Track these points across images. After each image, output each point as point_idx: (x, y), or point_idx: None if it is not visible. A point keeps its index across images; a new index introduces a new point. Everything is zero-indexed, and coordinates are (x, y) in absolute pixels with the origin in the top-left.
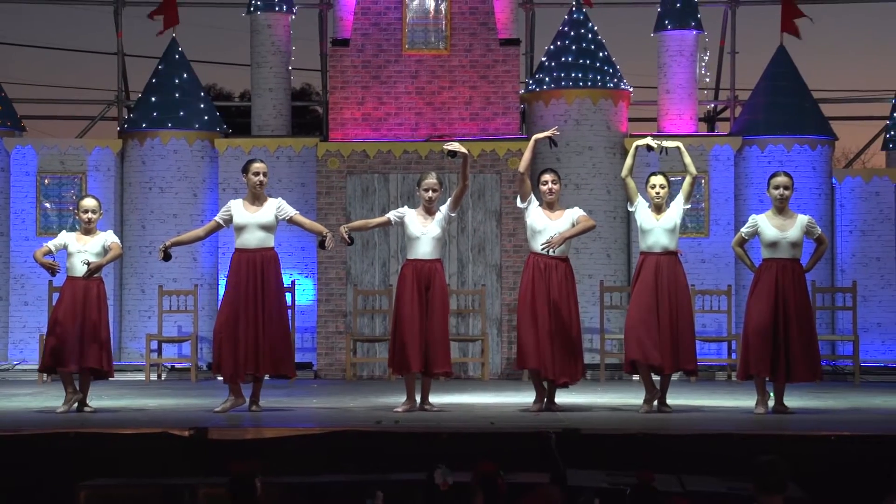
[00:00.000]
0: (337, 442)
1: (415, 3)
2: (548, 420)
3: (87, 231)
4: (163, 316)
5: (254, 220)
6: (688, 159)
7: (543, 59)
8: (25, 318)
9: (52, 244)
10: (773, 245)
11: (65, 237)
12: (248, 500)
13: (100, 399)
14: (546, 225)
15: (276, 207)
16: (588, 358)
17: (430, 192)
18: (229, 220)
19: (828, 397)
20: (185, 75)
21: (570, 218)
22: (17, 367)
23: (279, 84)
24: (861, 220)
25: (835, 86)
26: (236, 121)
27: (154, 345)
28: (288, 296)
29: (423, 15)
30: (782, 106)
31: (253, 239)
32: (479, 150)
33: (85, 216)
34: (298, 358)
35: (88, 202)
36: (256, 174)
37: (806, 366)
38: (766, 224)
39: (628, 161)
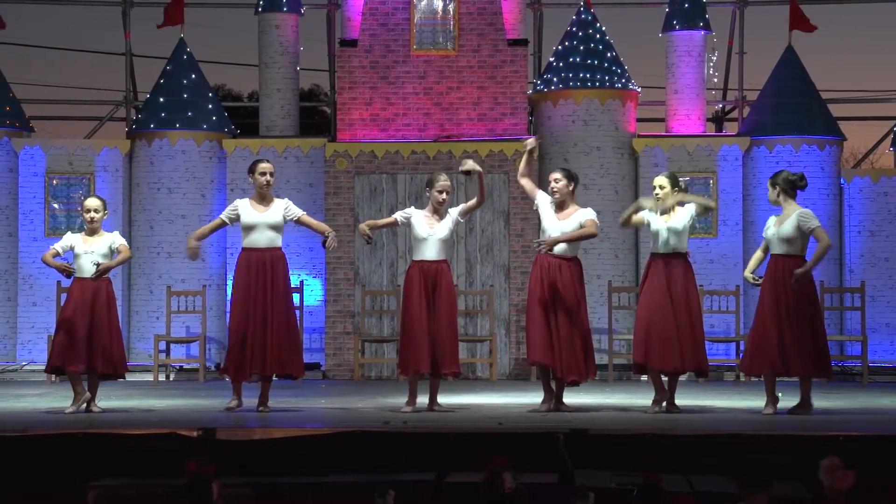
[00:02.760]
0: (345, 442)
1: (423, 3)
2: (556, 420)
3: (93, 231)
4: (171, 316)
5: (263, 220)
6: (700, 200)
7: (551, 59)
8: (34, 319)
9: (58, 246)
10: (770, 242)
11: (71, 238)
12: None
13: (108, 399)
14: (552, 224)
15: (283, 208)
16: (596, 358)
17: (445, 193)
18: (235, 219)
19: (836, 397)
20: (193, 76)
21: (578, 219)
22: (25, 367)
23: (287, 84)
24: (869, 221)
25: (843, 86)
26: (244, 121)
27: (162, 345)
28: (296, 296)
29: (430, 15)
30: (790, 106)
31: (262, 239)
32: (487, 150)
33: (87, 215)
34: (306, 358)
35: (91, 202)
36: (263, 174)
37: (806, 361)
38: (769, 222)
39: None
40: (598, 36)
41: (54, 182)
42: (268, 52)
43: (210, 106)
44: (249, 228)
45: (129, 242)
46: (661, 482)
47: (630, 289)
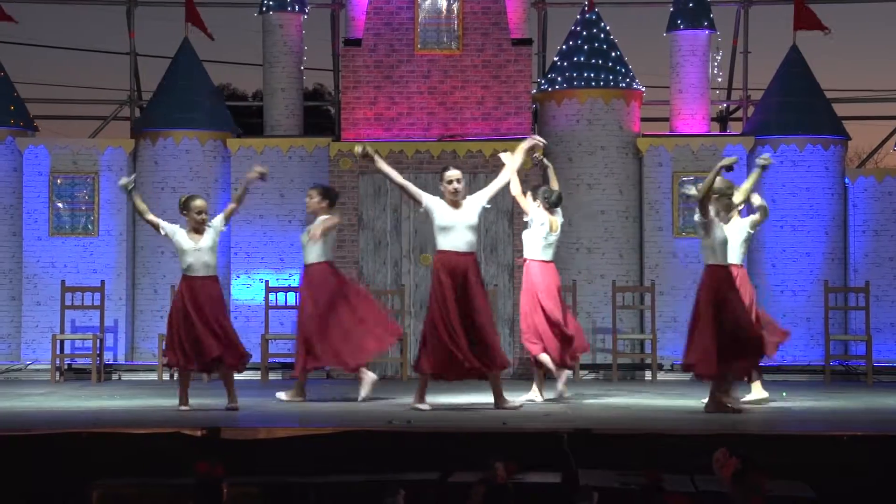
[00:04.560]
0: (349, 442)
1: (427, 2)
2: (559, 420)
3: (199, 230)
4: None
5: (459, 220)
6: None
7: (556, 58)
8: (38, 318)
9: (162, 222)
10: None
11: (177, 231)
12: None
13: (112, 399)
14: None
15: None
16: (601, 358)
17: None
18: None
19: (840, 397)
20: (197, 75)
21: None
22: (29, 366)
23: (291, 84)
24: (874, 220)
25: (848, 85)
26: (249, 121)
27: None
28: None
29: (435, 15)
30: (795, 106)
31: (463, 242)
32: (491, 149)
33: (200, 217)
34: None
35: (202, 203)
36: (451, 182)
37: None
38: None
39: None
40: (602, 35)
41: (58, 181)
42: (272, 52)
43: (214, 105)
44: (448, 229)
45: (133, 241)
46: (663, 482)
47: (634, 288)
